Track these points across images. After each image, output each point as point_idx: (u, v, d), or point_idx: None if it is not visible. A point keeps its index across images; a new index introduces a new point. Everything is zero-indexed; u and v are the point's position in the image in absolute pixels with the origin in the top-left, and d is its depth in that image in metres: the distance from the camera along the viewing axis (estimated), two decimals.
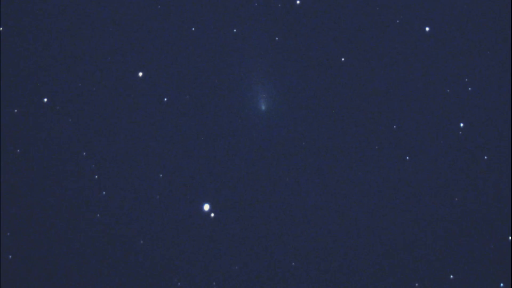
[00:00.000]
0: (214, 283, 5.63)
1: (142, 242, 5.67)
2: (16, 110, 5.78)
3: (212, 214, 5.72)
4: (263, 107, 5.87)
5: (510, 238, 5.61)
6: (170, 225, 5.71)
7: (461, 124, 5.78)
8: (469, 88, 5.82)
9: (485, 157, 5.72)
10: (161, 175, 5.77)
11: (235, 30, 5.93)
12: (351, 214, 5.74)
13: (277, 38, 5.92)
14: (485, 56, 5.84)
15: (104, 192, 5.72)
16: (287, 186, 5.78)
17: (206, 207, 5.73)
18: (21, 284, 5.61)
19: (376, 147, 5.80)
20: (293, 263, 5.67)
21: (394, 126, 5.82)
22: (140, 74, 5.87)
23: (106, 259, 5.64)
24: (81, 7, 5.93)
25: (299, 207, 5.76)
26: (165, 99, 5.85)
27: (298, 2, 5.95)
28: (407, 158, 5.77)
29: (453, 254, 5.63)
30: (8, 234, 5.64)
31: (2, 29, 5.86)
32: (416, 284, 5.61)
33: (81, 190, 5.71)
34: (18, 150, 5.74)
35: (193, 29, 5.94)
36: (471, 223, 5.66)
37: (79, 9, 5.93)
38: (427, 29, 5.88)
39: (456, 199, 5.69)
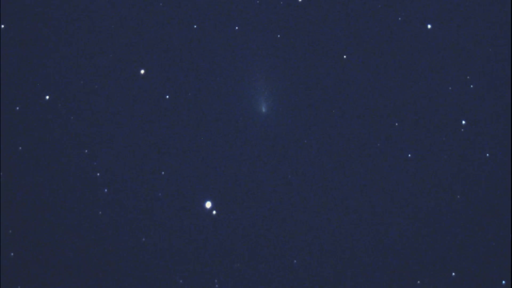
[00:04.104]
0: (216, 280, 5.63)
1: (144, 239, 5.66)
2: (17, 108, 5.78)
3: (214, 212, 5.72)
4: (265, 105, 5.87)
5: (511, 235, 5.62)
6: (172, 222, 5.70)
7: (463, 122, 5.78)
8: (471, 86, 5.83)
9: (487, 155, 5.73)
10: (162, 173, 5.76)
11: (237, 28, 5.93)
12: (352, 212, 5.74)
13: (279, 36, 5.92)
14: (487, 53, 5.85)
15: (105, 190, 5.71)
16: (288, 185, 5.78)
17: (208, 204, 5.73)
18: (22, 282, 5.60)
19: (378, 144, 5.80)
20: (294, 261, 5.67)
21: (396, 124, 5.82)
22: (142, 71, 5.87)
23: (107, 256, 5.64)
24: (83, 4, 5.93)
25: (301, 205, 5.76)
26: (167, 96, 5.85)
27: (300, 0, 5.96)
28: (409, 155, 5.78)
29: (455, 252, 5.64)
30: (10, 231, 5.63)
31: (3, 26, 5.85)
32: (418, 282, 5.61)
33: (83, 188, 5.70)
34: (20, 148, 5.73)
35: (194, 26, 5.94)
36: (472, 220, 5.67)
37: (80, 6, 5.92)
38: (429, 26, 5.89)
39: (458, 196, 5.69)
